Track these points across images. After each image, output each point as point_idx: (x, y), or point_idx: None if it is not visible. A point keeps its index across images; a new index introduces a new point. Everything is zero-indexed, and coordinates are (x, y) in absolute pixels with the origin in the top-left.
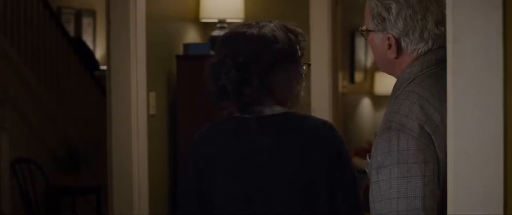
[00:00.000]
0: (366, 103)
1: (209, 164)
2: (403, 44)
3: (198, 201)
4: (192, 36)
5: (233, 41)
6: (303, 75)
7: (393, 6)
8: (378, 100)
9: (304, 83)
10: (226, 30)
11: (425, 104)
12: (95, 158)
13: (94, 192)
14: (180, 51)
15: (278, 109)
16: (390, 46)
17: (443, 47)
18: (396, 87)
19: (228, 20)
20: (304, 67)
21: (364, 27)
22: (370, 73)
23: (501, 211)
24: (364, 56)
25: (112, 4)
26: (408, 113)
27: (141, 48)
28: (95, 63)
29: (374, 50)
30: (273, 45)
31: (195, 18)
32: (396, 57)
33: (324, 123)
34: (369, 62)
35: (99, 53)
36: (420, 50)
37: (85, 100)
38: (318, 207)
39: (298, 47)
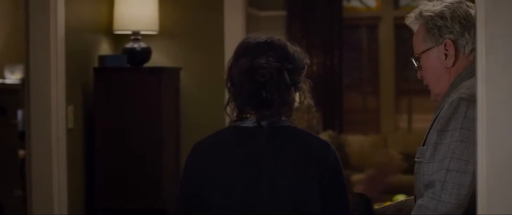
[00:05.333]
0: None
1: (209, 171)
2: (460, 45)
3: (195, 206)
4: (105, 48)
5: (264, 46)
6: (306, 90)
7: (446, 11)
8: None
9: (310, 96)
10: (141, 43)
11: None
12: None
13: None
14: (95, 63)
15: (284, 121)
16: (446, 56)
17: None
18: (450, 87)
19: (142, 32)
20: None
21: (419, 52)
22: None
23: None
24: None
25: (31, 15)
26: None
27: (61, 60)
28: None
29: (431, 71)
30: (294, 55)
31: (108, 30)
32: (453, 65)
33: (322, 140)
34: None
35: None
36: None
37: None
38: None
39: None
